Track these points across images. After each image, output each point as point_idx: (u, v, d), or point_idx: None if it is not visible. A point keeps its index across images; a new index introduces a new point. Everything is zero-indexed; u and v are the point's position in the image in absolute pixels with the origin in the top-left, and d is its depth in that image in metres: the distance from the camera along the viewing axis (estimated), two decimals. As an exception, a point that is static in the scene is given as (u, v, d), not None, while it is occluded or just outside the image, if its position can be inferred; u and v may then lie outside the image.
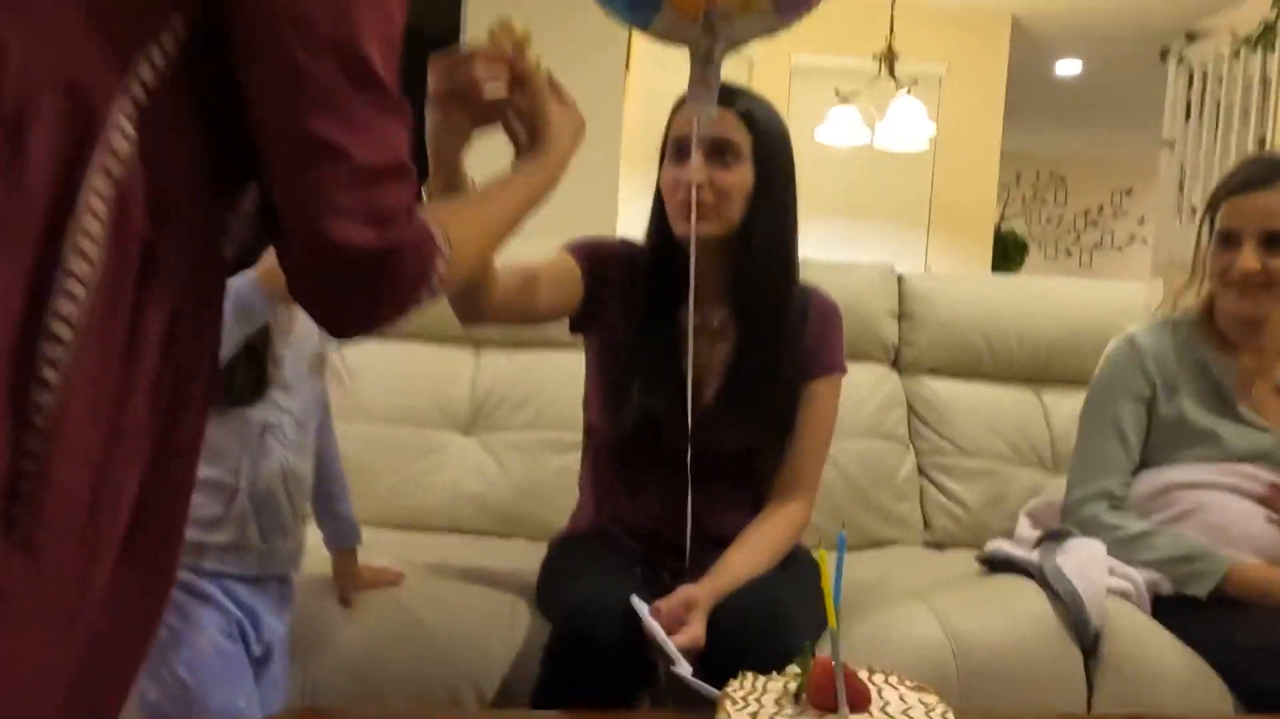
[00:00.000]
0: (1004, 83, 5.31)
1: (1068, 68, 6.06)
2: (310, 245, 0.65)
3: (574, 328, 1.34)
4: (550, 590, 1.26)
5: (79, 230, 0.58)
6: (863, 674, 0.82)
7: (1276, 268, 1.39)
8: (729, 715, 0.78)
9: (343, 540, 1.29)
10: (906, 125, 3.98)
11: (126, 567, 0.65)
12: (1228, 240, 1.43)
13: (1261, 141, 4.44)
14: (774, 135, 1.26)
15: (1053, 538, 1.45)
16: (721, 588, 1.14)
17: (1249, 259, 1.40)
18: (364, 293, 0.67)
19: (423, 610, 1.25)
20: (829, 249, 4.98)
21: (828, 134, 4.26)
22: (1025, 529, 1.60)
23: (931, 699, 0.80)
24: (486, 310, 1.15)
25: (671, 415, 1.24)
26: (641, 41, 3.60)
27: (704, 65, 1.05)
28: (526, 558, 1.42)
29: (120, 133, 0.60)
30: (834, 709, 0.76)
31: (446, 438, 1.78)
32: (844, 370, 1.35)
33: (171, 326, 0.64)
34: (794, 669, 0.82)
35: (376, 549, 1.53)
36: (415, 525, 1.70)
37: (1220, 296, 1.47)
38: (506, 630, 1.22)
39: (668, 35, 1.06)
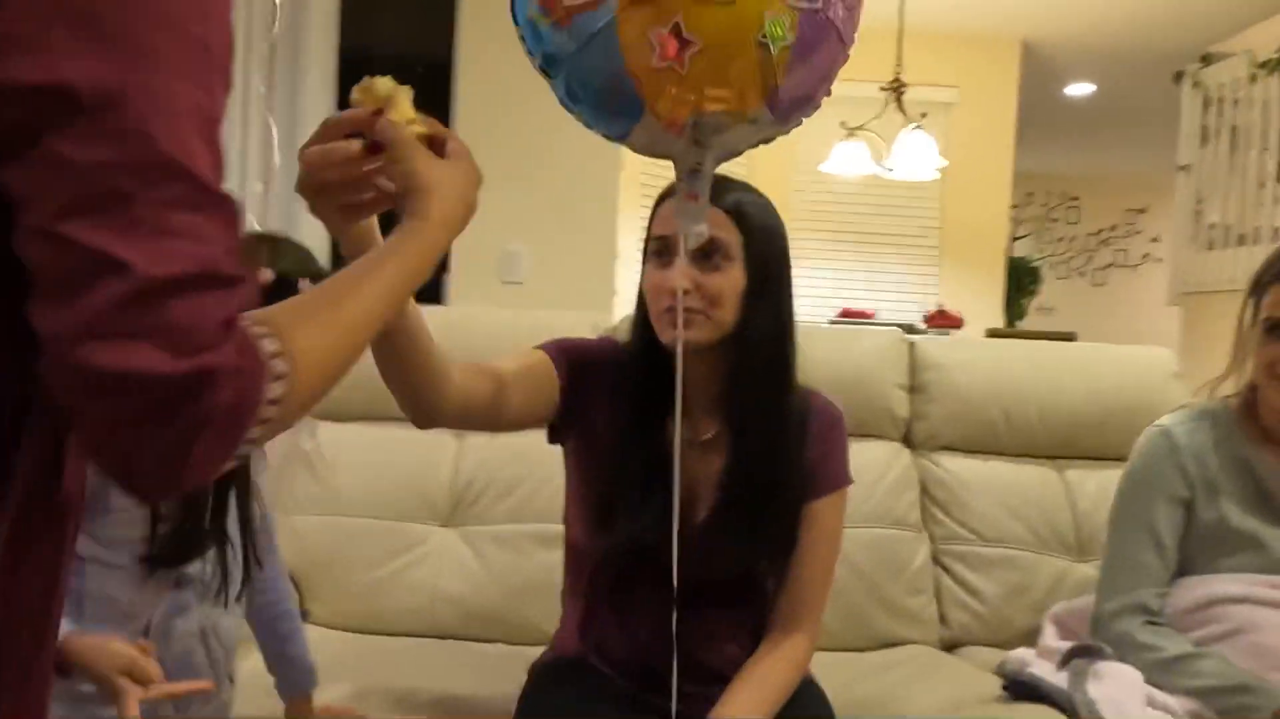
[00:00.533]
0: (1015, 108, 5.19)
1: (1079, 89, 5.94)
2: (81, 382, 0.49)
3: (552, 438, 1.22)
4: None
5: None
6: None
7: (1328, 362, 1.27)
8: None
9: (296, 688, 1.17)
10: (915, 158, 3.86)
11: None
12: (1276, 330, 1.31)
13: (1280, 167, 4.34)
14: (767, 230, 1.14)
15: (1082, 656, 1.32)
16: None
17: (1299, 351, 1.27)
18: (166, 436, 0.50)
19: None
20: (836, 280, 4.90)
21: (834, 166, 4.15)
22: (1051, 638, 1.46)
23: None
24: (442, 413, 1.02)
25: (663, 538, 1.12)
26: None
27: (691, 180, 0.93)
28: (507, 672, 1.30)
29: None
30: None
31: (425, 531, 1.66)
32: (850, 483, 1.22)
33: None
34: None
35: (346, 661, 1.42)
36: (390, 629, 1.58)
37: (1265, 389, 1.34)
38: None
39: (649, 149, 0.94)
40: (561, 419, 1.18)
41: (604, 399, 1.17)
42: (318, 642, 1.49)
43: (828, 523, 1.18)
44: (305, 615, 1.61)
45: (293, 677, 1.17)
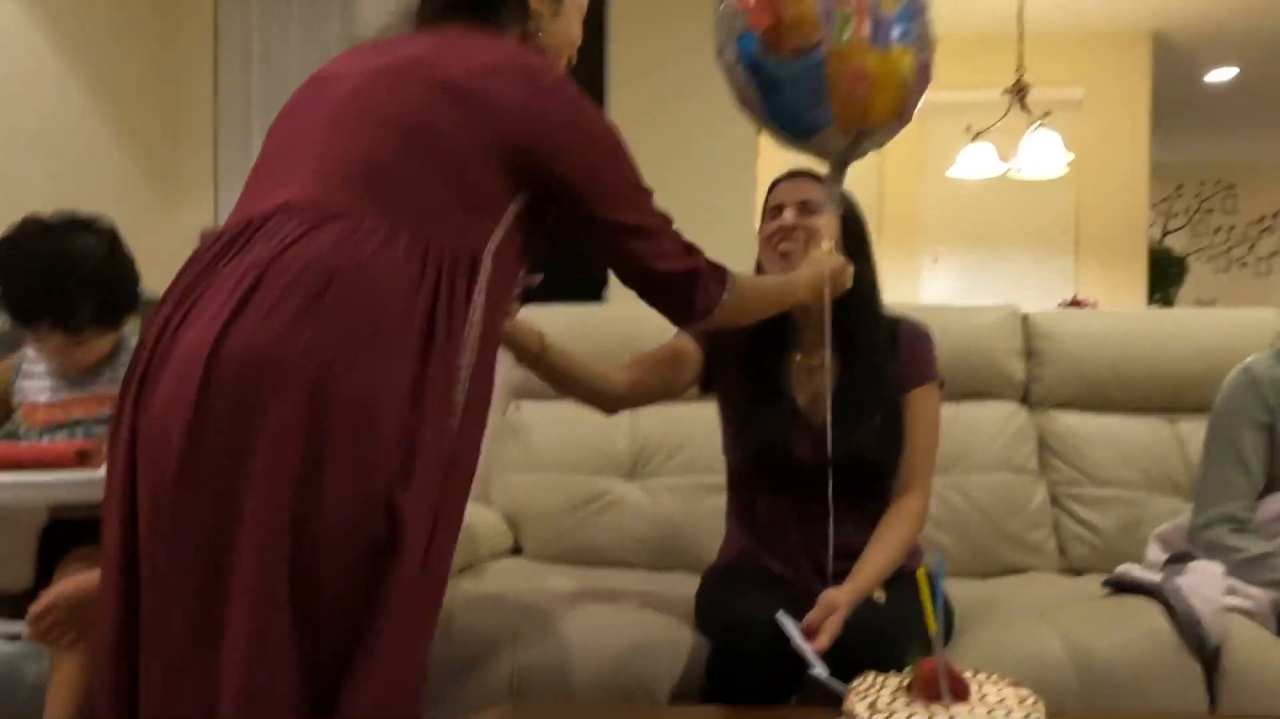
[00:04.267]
0: (1148, 101, 5.20)
1: (1220, 75, 5.84)
2: (651, 282, 1.20)
3: (704, 390, 1.62)
4: (708, 613, 1.46)
5: (471, 320, 1.05)
6: (967, 674, 0.99)
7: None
8: (854, 706, 0.96)
9: None
10: (1042, 157, 4.01)
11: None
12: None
13: None
14: (849, 197, 1.54)
15: (1177, 560, 1.54)
16: (860, 588, 1.34)
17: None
18: (688, 295, 1.22)
19: (603, 633, 1.47)
20: (971, 279, 5.02)
21: (961, 169, 4.34)
22: (1154, 553, 1.68)
23: (1026, 693, 0.96)
24: (616, 407, 1.56)
25: (793, 436, 1.49)
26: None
27: (840, 171, 1.39)
28: (685, 587, 1.63)
29: (486, 269, 1.07)
30: (938, 699, 0.94)
31: (611, 484, 2.03)
32: (939, 379, 1.55)
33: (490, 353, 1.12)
34: (907, 669, 1.00)
35: (558, 581, 1.80)
36: (588, 561, 1.95)
37: (1333, 325, 1.53)
38: (670, 648, 1.44)
39: (818, 147, 1.36)
40: (706, 377, 1.60)
41: (734, 353, 1.57)
42: (531, 567, 1.90)
43: (923, 408, 1.52)
44: (519, 550, 2.01)
45: None
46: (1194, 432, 1.99)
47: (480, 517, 1.96)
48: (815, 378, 1.51)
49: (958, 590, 1.54)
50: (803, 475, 1.45)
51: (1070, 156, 4.15)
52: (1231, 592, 1.44)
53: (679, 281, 1.20)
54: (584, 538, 1.98)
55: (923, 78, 1.32)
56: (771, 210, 1.55)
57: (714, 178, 3.40)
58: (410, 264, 1.00)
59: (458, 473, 1.04)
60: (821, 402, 1.47)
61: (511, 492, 2.05)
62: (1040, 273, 5.19)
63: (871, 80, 1.25)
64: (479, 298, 1.06)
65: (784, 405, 1.51)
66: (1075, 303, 3.97)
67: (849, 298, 1.48)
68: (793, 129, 1.34)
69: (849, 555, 1.40)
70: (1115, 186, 5.15)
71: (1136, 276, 5.24)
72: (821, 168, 1.46)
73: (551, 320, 2.11)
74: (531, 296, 1.70)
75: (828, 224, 1.49)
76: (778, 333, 1.53)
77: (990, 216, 5.13)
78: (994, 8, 4.33)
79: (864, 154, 1.37)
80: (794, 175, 1.55)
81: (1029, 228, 5.18)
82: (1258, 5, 4.83)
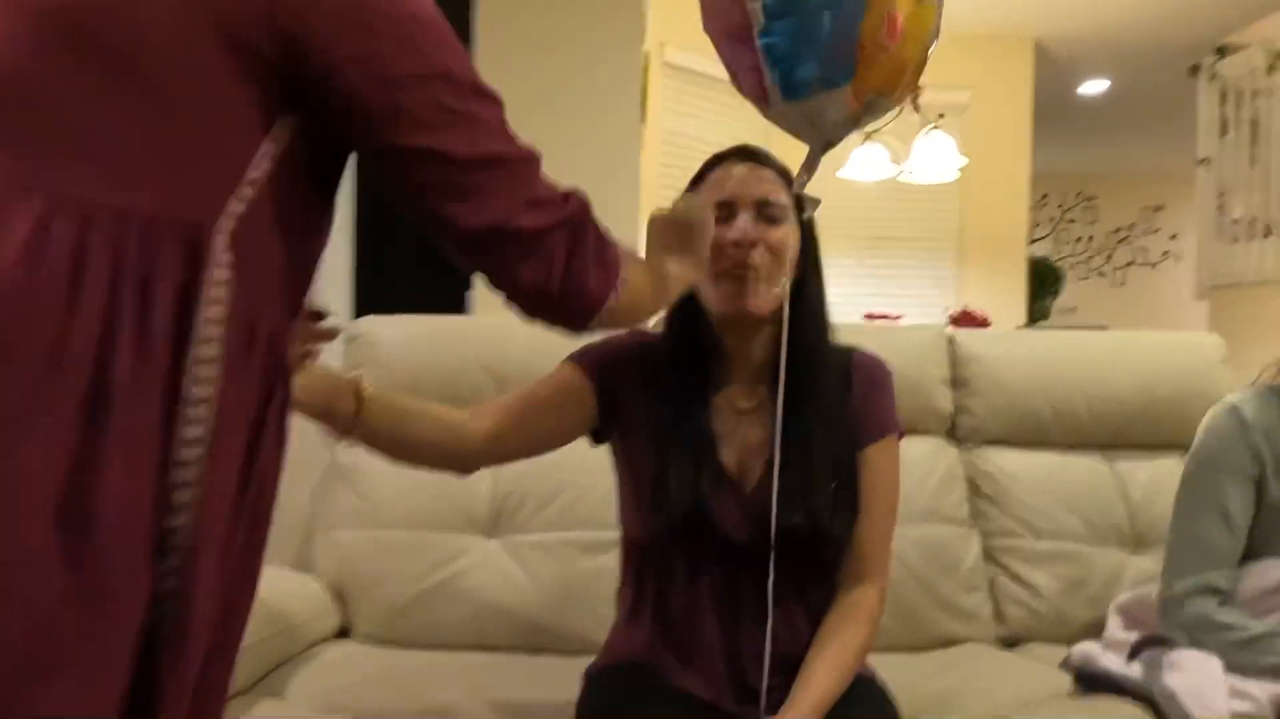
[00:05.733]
0: (1030, 108, 5.16)
1: (1094, 87, 5.91)
2: (508, 249, 0.76)
3: (596, 440, 1.21)
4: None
5: (198, 359, 0.65)
6: None
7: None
8: None
9: None
10: (934, 160, 3.84)
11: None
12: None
13: (1303, 156, 4.28)
14: (801, 199, 1.15)
15: (1154, 645, 1.28)
16: (806, 715, 1.00)
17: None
18: (562, 271, 0.78)
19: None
20: (854, 284, 4.84)
21: (853, 170, 4.13)
22: (1117, 630, 1.42)
23: None
24: (473, 467, 1.14)
25: (718, 504, 1.10)
26: (657, 88, 3.50)
27: (821, 153, 1.04)
28: (559, 682, 1.27)
29: (222, 253, 0.66)
30: None
31: (468, 541, 1.63)
32: (899, 431, 1.20)
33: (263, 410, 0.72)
34: None
35: (396, 675, 1.39)
36: (437, 644, 1.54)
37: (1331, 365, 1.30)
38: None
39: (813, 116, 0.99)
40: (602, 422, 1.18)
41: (639, 389, 1.16)
42: (361, 658, 1.48)
43: (881, 470, 1.15)
44: (347, 632, 1.59)
45: None
46: (1133, 471, 1.77)
47: (297, 590, 1.53)
48: (746, 427, 1.14)
49: (894, 674, 1.23)
50: (729, 557, 1.09)
51: (963, 160, 4.00)
52: (1231, 693, 1.18)
53: (552, 245, 0.77)
54: (432, 613, 1.56)
55: (934, 41, 1.00)
56: (718, 208, 1.12)
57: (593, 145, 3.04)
58: (63, 260, 0.61)
59: (188, 600, 0.65)
60: (755, 458, 1.11)
61: (340, 555, 1.61)
62: (924, 279, 5.08)
63: (902, 35, 0.93)
64: (211, 301, 0.66)
65: (707, 463, 1.11)
66: (967, 313, 3.81)
67: (797, 322, 1.11)
68: (794, 79, 0.95)
69: (786, 666, 1.06)
70: (998, 194, 5.09)
71: (1016, 286, 5.19)
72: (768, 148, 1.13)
73: (397, 335, 1.71)
74: (370, 307, 1.26)
75: (790, 235, 1.13)
76: (696, 365, 1.15)
77: (879, 221, 4.98)
78: (886, 3, 4.15)
79: (848, 135, 1.03)
80: (748, 156, 1.15)
81: (915, 233, 5.05)
82: (1130, 20, 4.85)
